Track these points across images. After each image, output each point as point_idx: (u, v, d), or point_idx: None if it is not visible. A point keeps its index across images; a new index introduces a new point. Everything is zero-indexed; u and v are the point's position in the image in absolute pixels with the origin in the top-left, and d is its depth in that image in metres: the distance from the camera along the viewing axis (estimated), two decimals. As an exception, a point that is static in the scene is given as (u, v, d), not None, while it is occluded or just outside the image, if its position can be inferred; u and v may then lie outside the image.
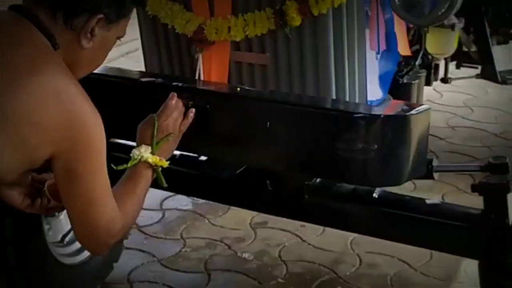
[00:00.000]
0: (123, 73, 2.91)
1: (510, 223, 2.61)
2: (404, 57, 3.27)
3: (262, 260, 4.00)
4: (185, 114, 2.61)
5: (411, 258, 3.96)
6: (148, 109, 2.62)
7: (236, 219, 4.40)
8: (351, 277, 3.85)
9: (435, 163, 2.90)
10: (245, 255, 4.04)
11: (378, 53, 2.87)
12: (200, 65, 2.83)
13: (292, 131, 2.59)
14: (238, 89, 2.71)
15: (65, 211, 3.40)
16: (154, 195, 4.53)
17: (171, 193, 4.65)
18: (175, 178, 2.96)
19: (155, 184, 3.22)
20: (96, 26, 2.21)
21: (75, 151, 2.14)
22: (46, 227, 3.51)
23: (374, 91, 2.81)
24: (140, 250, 4.08)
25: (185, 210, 4.54)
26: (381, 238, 3.22)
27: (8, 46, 2.16)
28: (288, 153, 2.62)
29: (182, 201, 4.63)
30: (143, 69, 3.11)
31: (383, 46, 2.89)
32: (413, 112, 2.51)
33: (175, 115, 2.55)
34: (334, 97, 2.68)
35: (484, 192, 2.69)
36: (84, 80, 2.41)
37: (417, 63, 3.30)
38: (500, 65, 4.31)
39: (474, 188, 2.74)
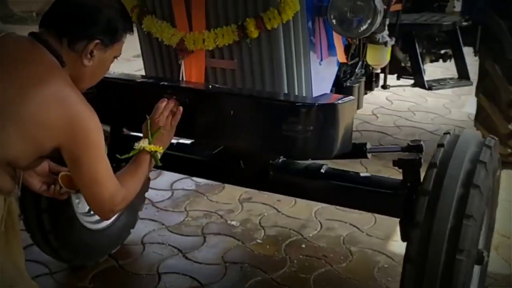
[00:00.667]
0: (127, 76, 2.90)
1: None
2: (348, 66, 3.22)
3: (246, 226, 4.01)
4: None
5: (360, 223, 3.99)
6: (145, 102, 2.61)
7: (228, 196, 4.41)
8: (313, 238, 3.87)
9: (368, 146, 2.91)
10: (233, 223, 4.06)
11: (321, 60, 2.81)
12: (182, 69, 2.81)
13: (252, 118, 2.57)
14: (210, 86, 2.70)
15: None
16: (166, 179, 4.61)
17: (179, 177, 4.66)
18: (168, 160, 2.93)
19: (167, 168, 3.32)
20: (94, 49, 2.21)
21: (75, 143, 2.14)
22: (76, 201, 3.50)
23: (319, 89, 2.77)
24: (152, 220, 4.09)
25: (189, 190, 4.54)
26: (328, 203, 3.25)
27: (23, 63, 2.16)
28: (249, 135, 2.60)
29: (187, 183, 4.63)
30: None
31: (325, 55, 2.84)
32: (339, 101, 2.49)
33: (165, 113, 2.52)
34: (285, 92, 2.66)
35: (402, 166, 2.68)
36: (102, 82, 2.44)
37: (357, 70, 3.25)
38: (428, 77, 4.33)
39: (395, 163, 2.71)
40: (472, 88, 4.82)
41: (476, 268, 2.89)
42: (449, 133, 2.68)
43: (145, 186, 3.97)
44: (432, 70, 5.20)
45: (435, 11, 4.41)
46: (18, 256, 2.35)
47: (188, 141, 3.22)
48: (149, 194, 4.24)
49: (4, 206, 2.19)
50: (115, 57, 2.34)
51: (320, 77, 2.80)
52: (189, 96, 2.60)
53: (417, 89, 5.55)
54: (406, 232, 2.55)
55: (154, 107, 2.51)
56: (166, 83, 2.74)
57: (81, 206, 3.57)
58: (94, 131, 2.16)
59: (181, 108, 2.54)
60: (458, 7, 4.51)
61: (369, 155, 2.93)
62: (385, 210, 2.86)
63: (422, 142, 2.74)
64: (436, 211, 2.38)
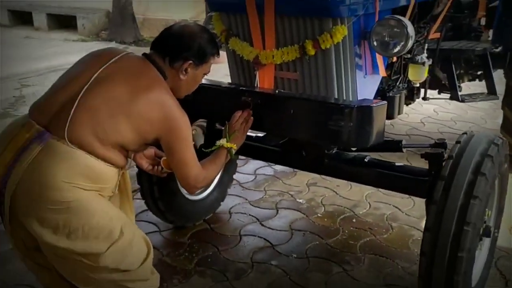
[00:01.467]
0: (217, 83, 2.92)
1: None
2: (392, 80, 3.17)
3: (310, 204, 4.03)
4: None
5: (401, 205, 3.95)
6: (230, 102, 2.72)
7: (298, 180, 4.42)
8: (362, 215, 3.86)
9: (403, 142, 2.91)
10: (300, 201, 4.08)
11: (365, 74, 2.80)
12: (257, 78, 2.81)
13: (307, 115, 2.59)
14: (277, 91, 2.72)
15: None
16: (251, 166, 4.69)
17: (261, 164, 4.69)
18: (249, 149, 3.08)
19: (248, 155, 3.47)
20: (188, 67, 2.27)
21: (170, 136, 2.20)
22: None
23: (363, 96, 2.76)
24: (238, 196, 4.15)
25: (268, 175, 4.56)
26: (368, 185, 3.22)
27: (135, 75, 2.20)
28: (305, 128, 2.61)
29: (268, 170, 4.65)
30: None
31: (369, 71, 2.82)
32: (373, 105, 2.48)
33: (240, 121, 2.56)
34: (336, 97, 2.67)
35: (428, 158, 2.66)
36: (201, 87, 2.52)
37: (398, 84, 3.21)
38: (464, 91, 4.22)
39: (422, 156, 2.69)
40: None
41: (486, 241, 2.87)
42: (466, 133, 2.65)
43: (233, 170, 4.06)
44: (469, 86, 5.06)
45: (471, 39, 4.26)
46: (129, 213, 2.46)
47: (262, 134, 3.24)
48: (237, 176, 4.31)
49: (118, 176, 2.26)
50: (205, 74, 2.39)
51: (364, 87, 2.78)
52: (262, 98, 2.63)
53: (460, 103, 5.46)
54: (429, 209, 2.54)
55: (232, 115, 2.57)
56: (245, 88, 2.78)
57: None
58: (184, 128, 2.22)
59: (252, 118, 2.59)
60: (491, 36, 4.38)
61: (404, 150, 2.92)
62: (413, 192, 2.84)
63: (446, 140, 2.72)
64: (450, 192, 2.38)
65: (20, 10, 13.63)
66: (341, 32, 2.50)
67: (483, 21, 4.37)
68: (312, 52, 2.58)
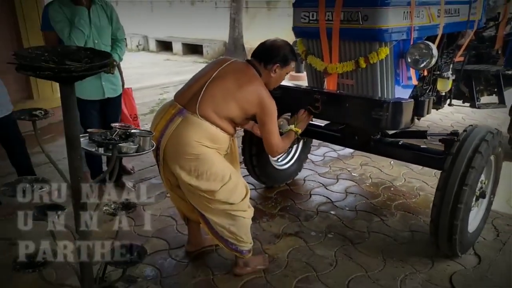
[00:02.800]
0: (298, 86, 3.14)
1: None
2: (424, 89, 3.22)
3: (361, 177, 4.21)
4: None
5: (428, 180, 4.06)
6: (306, 99, 2.93)
7: (354, 161, 4.60)
8: (399, 186, 4.01)
9: (428, 132, 3.11)
10: (354, 174, 4.28)
11: (402, 82, 2.88)
12: (325, 83, 2.95)
13: (358, 108, 2.74)
14: (338, 91, 2.88)
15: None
16: (321, 151, 4.91)
17: (329, 150, 4.94)
18: (313, 133, 3.42)
19: (316, 137, 3.61)
20: (276, 68, 2.45)
21: (263, 113, 2.39)
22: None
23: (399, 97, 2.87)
24: (310, 170, 4.37)
25: (333, 157, 4.77)
26: (400, 160, 3.34)
27: (242, 73, 2.41)
28: (357, 117, 2.76)
29: (333, 154, 4.86)
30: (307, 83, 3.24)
31: (405, 80, 2.91)
32: (403, 101, 2.65)
33: (304, 115, 2.80)
34: (379, 95, 2.80)
35: (444, 142, 2.79)
36: (287, 88, 2.83)
37: (427, 92, 3.25)
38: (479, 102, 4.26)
39: (440, 141, 2.84)
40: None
41: (483, 202, 3.01)
42: (471, 125, 2.81)
43: (308, 151, 4.29)
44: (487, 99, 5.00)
45: (490, 64, 4.26)
46: (236, 168, 2.63)
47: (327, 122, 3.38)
48: (311, 157, 4.59)
49: (229, 141, 2.48)
50: (287, 73, 2.54)
51: (400, 91, 2.91)
52: (328, 96, 2.84)
53: (482, 112, 5.42)
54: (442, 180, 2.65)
55: (299, 110, 2.80)
56: (317, 89, 2.96)
57: (280, 158, 3.95)
58: (271, 109, 2.39)
59: (311, 116, 2.80)
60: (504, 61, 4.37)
61: (428, 137, 3.12)
62: (433, 166, 2.95)
63: (458, 131, 2.82)
64: (455, 164, 2.58)
65: (163, 40, 14.59)
66: (384, 51, 2.66)
67: (500, 50, 4.38)
68: (363, 65, 2.74)
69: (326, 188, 4.01)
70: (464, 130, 2.75)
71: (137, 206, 2.15)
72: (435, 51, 2.72)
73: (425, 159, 2.98)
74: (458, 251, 2.77)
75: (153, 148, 1.91)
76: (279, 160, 4.10)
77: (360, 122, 2.80)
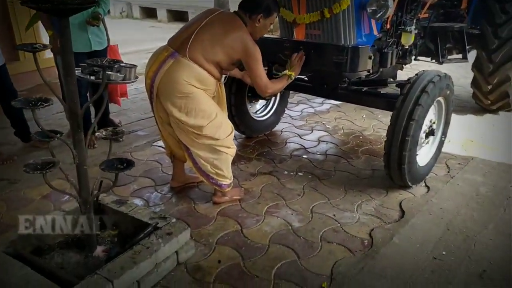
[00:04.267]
0: (272, 37, 3.49)
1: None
2: (387, 42, 3.51)
3: (334, 128, 4.68)
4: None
5: None
6: (276, 48, 3.24)
7: (329, 116, 5.08)
8: (367, 135, 4.50)
9: (388, 80, 3.51)
10: (328, 126, 4.74)
11: (363, 32, 3.16)
12: (294, 33, 3.27)
13: (323, 54, 3.09)
14: (305, 40, 3.20)
15: (259, 102, 4.30)
16: (299, 107, 5.33)
17: (307, 107, 5.39)
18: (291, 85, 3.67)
19: (294, 89, 4.04)
20: (260, 18, 2.72)
21: (247, 58, 2.68)
22: (248, 106, 4.15)
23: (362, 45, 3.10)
24: (288, 123, 4.83)
25: (310, 112, 5.24)
26: (365, 106, 3.92)
27: (228, 22, 2.67)
28: (322, 61, 3.11)
29: (310, 110, 5.33)
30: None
31: (366, 30, 3.20)
32: (360, 46, 3.02)
33: (297, 59, 3.05)
34: (342, 43, 3.09)
35: (399, 87, 3.20)
36: (265, 39, 3.01)
37: (391, 45, 3.56)
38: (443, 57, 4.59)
39: (397, 85, 3.29)
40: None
41: (434, 141, 3.47)
42: (423, 70, 3.22)
43: (285, 104, 4.69)
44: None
45: (457, 22, 4.59)
46: (223, 110, 2.97)
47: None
48: (289, 112, 5.05)
49: (216, 85, 2.81)
50: (271, 23, 2.80)
51: (362, 41, 3.22)
52: (296, 44, 3.19)
53: (456, 73, 5.77)
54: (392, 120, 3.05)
55: (292, 55, 3.06)
56: (286, 38, 3.32)
57: (251, 108, 4.27)
58: (256, 54, 2.68)
59: (304, 57, 3.06)
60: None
61: (388, 85, 3.54)
62: (390, 108, 3.16)
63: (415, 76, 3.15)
64: (405, 103, 3.02)
65: (147, 7, 14.67)
66: (346, 2, 3.01)
67: (466, 10, 4.75)
68: (328, 15, 3.08)
69: (301, 138, 4.48)
70: (416, 74, 3.18)
71: (125, 133, 2.62)
72: (390, 3, 3.05)
73: (383, 102, 3.44)
74: (408, 181, 3.25)
75: (137, 79, 2.30)
76: (257, 112, 4.51)
77: (324, 66, 3.17)
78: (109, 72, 2.19)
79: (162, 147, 4.06)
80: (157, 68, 2.69)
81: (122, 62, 2.30)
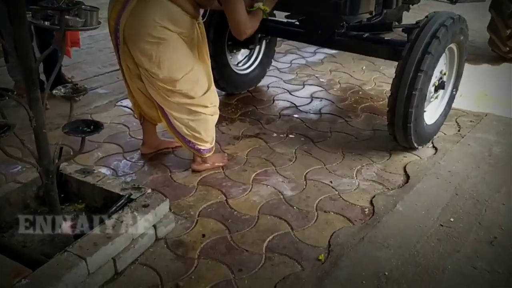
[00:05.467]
0: None
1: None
2: None
3: (329, 82, 4.85)
4: None
5: None
6: None
7: (324, 68, 5.25)
8: (368, 90, 4.68)
9: (394, 24, 3.68)
10: (322, 80, 4.90)
11: None
12: None
13: None
14: None
15: (240, 52, 4.40)
16: (287, 58, 5.41)
17: (297, 56, 5.56)
18: (274, 29, 3.90)
19: (283, 36, 4.19)
20: None
21: None
22: (229, 57, 4.25)
23: None
24: (275, 77, 5.00)
25: (301, 64, 5.43)
26: (366, 55, 4.02)
27: None
28: (316, 2, 3.26)
29: (301, 61, 5.51)
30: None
31: None
32: None
33: None
34: None
35: (406, 32, 3.33)
36: None
37: None
38: None
39: (403, 30, 3.42)
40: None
41: (444, 95, 3.66)
42: (434, 12, 3.32)
43: (272, 54, 4.79)
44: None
45: None
46: (205, 56, 3.03)
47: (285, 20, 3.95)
48: (276, 64, 5.18)
49: (194, 25, 2.85)
50: None
51: None
52: None
53: (461, 6, 5.79)
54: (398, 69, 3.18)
55: None
56: None
57: (232, 60, 4.35)
58: None
59: None
60: None
61: (393, 29, 3.69)
62: (396, 58, 3.31)
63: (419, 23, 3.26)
64: (412, 51, 3.14)
65: None
66: None
67: None
68: None
69: (291, 94, 4.62)
70: (426, 17, 3.28)
71: (87, 91, 2.68)
72: None
73: (387, 51, 3.55)
74: (414, 142, 3.43)
75: (99, 25, 2.35)
76: (239, 64, 4.61)
77: (318, 8, 3.30)
78: (67, 17, 2.24)
79: (129, 107, 4.19)
80: (121, 7, 2.72)
81: (82, 4, 2.33)
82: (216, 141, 3.39)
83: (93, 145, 3.63)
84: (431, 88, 3.43)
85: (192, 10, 2.79)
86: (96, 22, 2.35)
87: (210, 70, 3.11)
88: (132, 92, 3.20)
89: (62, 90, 2.48)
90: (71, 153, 3.12)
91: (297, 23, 3.92)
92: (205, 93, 2.99)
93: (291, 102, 4.44)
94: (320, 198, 3.03)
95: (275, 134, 3.86)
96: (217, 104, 3.16)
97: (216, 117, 3.17)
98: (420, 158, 3.51)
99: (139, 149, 3.57)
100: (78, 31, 3.24)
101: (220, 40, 4.11)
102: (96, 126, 2.40)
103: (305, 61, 5.51)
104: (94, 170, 2.99)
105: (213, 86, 3.08)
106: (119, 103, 4.37)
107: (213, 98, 3.10)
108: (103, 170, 3.32)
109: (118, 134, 3.86)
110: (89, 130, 2.38)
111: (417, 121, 3.31)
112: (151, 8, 2.67)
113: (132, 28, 2.74)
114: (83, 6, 2.30)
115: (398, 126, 3.32)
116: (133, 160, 3.49)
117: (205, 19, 3.11)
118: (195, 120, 3.01)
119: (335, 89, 4.73)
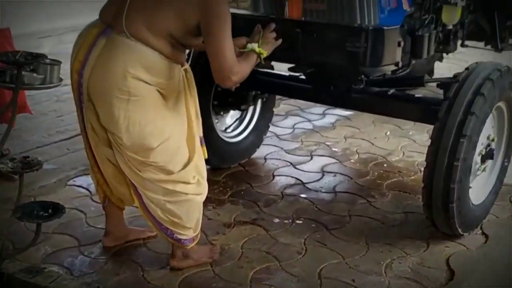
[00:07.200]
0: (250, 13, 3.69)
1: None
2: (421, 20, 3.80)
3: (345, 152, 5.06)
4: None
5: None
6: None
7: (336, 134, 5.47)
8: (394, 161, 4.90)
9: (425, 77, 3.85)
10: (335, 149, 5.12)
11: (389, 5, 3.36)
12: (286, 8, 3.46)
13: (329, 39, 3.32)
14: (303, 18, 3.42)
15: (230, 114, 4.58)
16: (289, 122, 5.76)
17: (300, 120, 5.81)
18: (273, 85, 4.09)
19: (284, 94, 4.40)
20: None
21: (207, 15, 2.72)
22: (215, 121, 4.38)
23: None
24: (274, 146, 5.15)
25: (307, 129, 5.62)
26: (392, 117, 4.23)
27: None
28: (329, 52, 3.35)
29: (306, 124, 5.71)
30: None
31: (393, 3, 3.38)
32: (385, 27, 3.23)
33: (272, 34, 3.10)
34: (358, 22, 3.31)
35: (442, 88, 3.52)
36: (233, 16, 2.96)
37: (428, 23, 3.81)
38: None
39: (437, 86, 3.61)
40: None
41: (493, 167, 3.84)
42: (476, 63, 3.52)
43: (270, 117, 5.00)
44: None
45: None
46: (192, 112, 3.13)
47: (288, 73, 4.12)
48: (275, 129, 5.36)
49: (178, 73, 2.94)
50: None
51: (387, 18, 3.42)
52: (289, 25, 3.36)
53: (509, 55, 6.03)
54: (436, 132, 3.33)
55: (267, 25, 3.12)
56: (273, 16, 3.51)
57: (218, 125, 4.49)
58: (222, 10, 2.73)
59: (281, 39, 3.15)
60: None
61: (425, 84, 3.86)
62: (430, 120, 3.55)
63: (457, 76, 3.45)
64: (451, 111, 3.32)
65: None
66: None
67: None
68: None
69: (295, 168, 4.77)
70: (466, 68, 3.49)
71: (42, 165, 2.81)
72: None
73: (418, 111, 3.77)
74: (458, 227, 3.56)
75: (61, 82, 2.57)
76: (228, 129, 4.76)
77: (331, 59, 3.45)
78: (24, 72, 2.45)
79: (82, 187, 4.32)
80: (85, 54, 2.84)
81: (45, 57, 2.53)
82: (201, 230, 3.45)
83: (39, 236, 3.66)
84: (477, 158, 3.59)
85: (173, 52, 2.88)
86: (57, 79, 2.56)
87: (199, 131, 3.22)
88: (96, 165, 3.27)
89: (9, 165, 2.61)
90: (11, 247, 3.21)
91: (303, 77, 4.11)
92: (186, 165, 3.06)
93: (296, 178, 4.56)
94: (340, 302, 3.09)
95: (277, 220, 3.98)
96: (204, 178, 3.23)
97: (202, 197, 3.24)
98: (467, 248, 3.61)
99: (101, 241, 3.62)
100: (35, 89, 3.37)
101: (205, 96, 4.17)
102: (56, 210, 2.52)
103: (311, 125, 5.71)
104: (44, 268, 3.06)
105: (198, 154, 3.16)
106: (71, 182, 4.45)
107: (199, 170, 3.17)
108: (54, 268, 3.35)
109: (72, 222, 3.91)
110: (46, 214, 2.48)
111: (461, 200, 3.45)
112: (120, 54, 2.77)
113: (98, 80, 2.84)
114: (43, 60, 2.50)
115: (437, 207, 3.47)
116: (93, 255, 3.55)
117: (190, 63, 3.18)
118: (173, 202, 3.07)
119: (352, 160, 4.89)
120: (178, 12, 2.76)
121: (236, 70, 2.82)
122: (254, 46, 3.03)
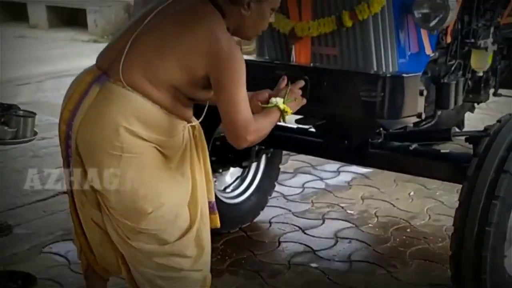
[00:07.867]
0: (251, 59, 3.65)
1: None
2: (447, 66, 3.88)
3: (362, 215, 5.04)
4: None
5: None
6: (260, 78, 3.22)
7: (352, 194, 5.48)
8: (419, 226, 4.84)
9: (453, 130, 3.86)
10: (351, 212, 5.11)
11: (409, 50, 3.43)
12: (293, 53, 3.47)
13: (342, 87, 3.34)
14: (311, 65, 3.46)
15: (229, 172, 4.59)
16: (298, 179, 5.79)
17: (311, 178, 5.83)
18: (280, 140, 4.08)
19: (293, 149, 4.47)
20: (250, 1, 2.75)
21: (219, 69, 2.70)
22: (213, 179, 3.93)
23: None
24: (281, 207, 5.14)
25: (318, 188, 5.61)
26: (414, 175, 4.19)
27: (188, 13, 2.78)
28: (341, 102, 3.37)
29: (318, 183, 5.71)
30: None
31: (414, 48, 3.44)
32: (404, 74, 3.24)
33: (299, 91, 3.09)
34: (374, 69, 3.31)
35: (471, 142, 3.51)
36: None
37: (454, 70, 3.91)
38: None
39: (466, 140, 3.60)
40: None
41: None
42: (510, 114, 3.55)
43: (275, 176, 5.00)
44: None
45: None
46: (197, 177, 3.09)
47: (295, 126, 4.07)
48: (282, 189, 5.37)
49: (182, 129, 2.92)
50: (273, 9, 2.87)
51: (407, 64, 3.48)
52: (297, 72, 3.35)
53: None
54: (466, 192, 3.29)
55: (296, 80, 3.12)
56: (279, 63, 3.57)
57: (218, 184, 4.47)
58: (237, 65, 2.70)
59: (306, 99, 3.14)
60: None
61: (453, 138, 3.87)
62: (457, 178, 3.54)
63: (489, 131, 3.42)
64: (482, 168, 3.30)
65: (11, 0, 14.23)
66: (379, 1, 3.16)
67: None
68: (349, 23, 3.28)
69: (305, 233, 4.77)
70: (498, 121, 3.51)
71: (12, 229, 2.81)
72: (452, 2, 3.30)
73: (445, 169, 3.76)
74: (492, 301, 3.48)
75: (35, 136, 2.60)
76: (228, 189, 4.77)
77: (344, 110, 3.48)
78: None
79: (60, 254, 4.28)
80: (76, 103, 2.83)
81: (17, 108, 2.57)
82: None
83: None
84: (513, 223, 3.56)
85: (176, 106, 2.85)
86: (31, 133, 2.57)
87: (210, 196, 3.23)
88: (80, 228, 3.21)
89: (-25, 230, 2.62)
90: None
91: (313, 129, 4.15)
92: (184, 234, 3.00)
93: (305, 245, 4.56)
94: None
95: (284, 294, 3.92)
96: (206, 251, 3.16)
97: (202, 273, 3.16)
98: (504, 328, 3.58)
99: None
100: (6, 144, 3.40)
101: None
102: (26, 281, 2.50)
103: (324, 184, 5.71)
104: None
105: (203, 223, 3.11)
106: (47, 249, 4.42)
107: (200, 241, 3.11)
108: None
109: (47, 296, 3.89)
110: (15, 286, 2.47)
111: (494, 271, 3.42)
112: (114, 105, 2.74)
113: (88, 132, 2.80)
114: (15, 112, 2.53)
115: (468, 280, 3.43)
116: None
117: (201, 119, 3.08)
118: (165, 278, 3.01)
119: (370, 225, 4.90)
120: (183, 62, 2.74)
121: (252, 128, 2.76)
122: (279, 102, 2.99)
